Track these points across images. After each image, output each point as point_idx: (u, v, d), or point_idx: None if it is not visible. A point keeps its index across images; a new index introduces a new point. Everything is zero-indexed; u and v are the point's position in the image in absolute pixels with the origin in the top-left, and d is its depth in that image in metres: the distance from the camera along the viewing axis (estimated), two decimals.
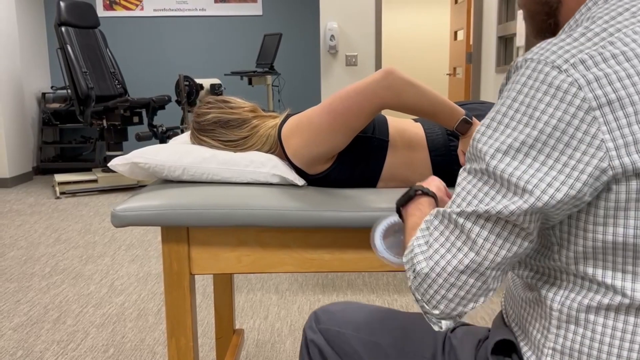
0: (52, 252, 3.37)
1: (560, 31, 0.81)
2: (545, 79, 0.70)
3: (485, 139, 0.73)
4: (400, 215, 0.94)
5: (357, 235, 1.27)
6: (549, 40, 0.74)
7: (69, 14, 5.12)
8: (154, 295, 2.70)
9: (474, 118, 1.30)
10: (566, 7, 0.81)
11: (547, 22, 0.84)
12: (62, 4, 5.08)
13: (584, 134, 0.67)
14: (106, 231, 3.82)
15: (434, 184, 0.96)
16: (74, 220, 4.14)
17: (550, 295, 0.76)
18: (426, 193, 0.91)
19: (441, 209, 0.77)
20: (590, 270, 0.73)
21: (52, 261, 3.21)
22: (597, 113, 0.67)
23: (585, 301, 0.74)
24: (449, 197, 0.97)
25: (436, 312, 0.76)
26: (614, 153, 0.67)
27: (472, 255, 0.73)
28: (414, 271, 0.77)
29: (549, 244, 0.76)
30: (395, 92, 1.22)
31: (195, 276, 2.01)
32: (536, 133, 0.69)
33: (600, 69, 0.68)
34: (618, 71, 0.68)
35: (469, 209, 0.73)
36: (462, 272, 0.73)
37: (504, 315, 0.91)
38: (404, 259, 0.80)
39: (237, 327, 2.36)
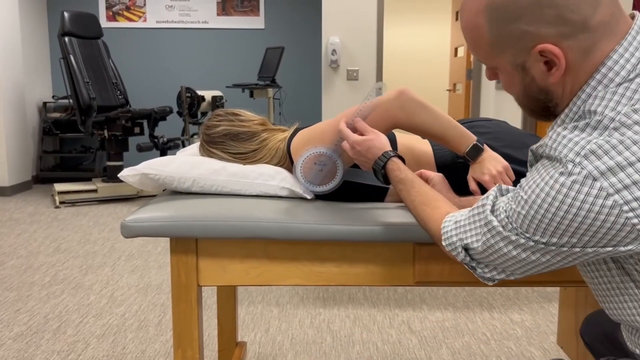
0: (51, 262, 3.36)
1: (561, 121, 0.87)
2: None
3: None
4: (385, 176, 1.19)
5: (365, 249, 1.28)
6: (559, 132, 0.81)
7: (72, 25, 5.15)
8: (155, 306, 2.69)
9: (485, 145, 1.30)
10: (563, 104, 0.87)
11: (547, 117, 0.92)
12: (66, 14, 5.11)
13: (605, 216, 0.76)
14: (106, 241, 3.82)
15: (387, 140, 1.21)
16: (73, 229, 4.13)
17: None
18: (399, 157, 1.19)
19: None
20: None
21: (52, 271, 3.20)
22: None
23: None
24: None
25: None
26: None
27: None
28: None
29: None
30: (408, 113, 1.24)
31: None
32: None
33: (610, 157, 0.75)
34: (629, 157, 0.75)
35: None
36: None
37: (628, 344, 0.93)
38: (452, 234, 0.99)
39: (239, 339, 2.35)
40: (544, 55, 0.82)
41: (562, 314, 2.09)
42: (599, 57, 0.81)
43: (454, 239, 0.98)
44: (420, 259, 1.27)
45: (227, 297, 1.94)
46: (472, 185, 1.30)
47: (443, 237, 1.01)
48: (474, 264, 0.97)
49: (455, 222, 0.98)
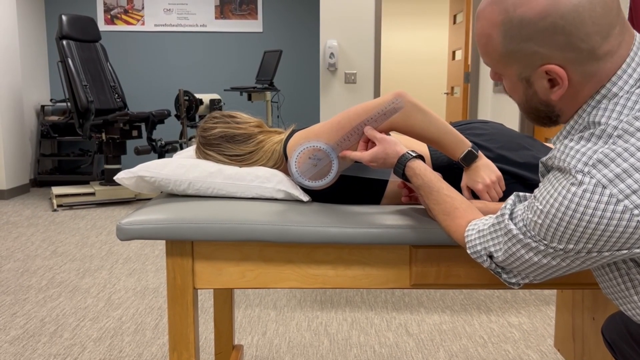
0: (49, 265, 3.35)
1: (567, 132, 0.91)
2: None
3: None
4: (403, 175, 1.21)
5: (361, 251, 1.27)
6: (567, 144, 0.86)
7: (70, 28, 5.15)
8: (152, 309, 2.69)
9: (480, 152, 1.30)
10: (565, 115, 0.92)
11: (547, 124, 0.97)
12: (64, 17, 5.11)
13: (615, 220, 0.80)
14: (103, 244, 3.81)
15: (399, 144, 1.23)
16: (71, 233, 4.12)
17: None
18: (419, 157, 1.21)
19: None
20: None
21: (49, 274, 3.19)
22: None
23: None
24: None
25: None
26: None
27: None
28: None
29: None
30: (404, 115, 1.24)
31: None
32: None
33: (617, 165, 0.79)
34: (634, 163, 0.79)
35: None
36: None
37: None
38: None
39: (235, 343, 2.35)
40: (549, 74, 0.87)
41: (559, 316, 2.09)
42: (602, 78, 0.86)
43: (478, 247, 1.03)
44: (417, 262, 1.27)
45: (224, 300, 1.93)
46: (466, 195, 1.30)
47: (467, 246, 1.06)
48: (499, 270, 1.02)
49: (478, 231, 1.03)
